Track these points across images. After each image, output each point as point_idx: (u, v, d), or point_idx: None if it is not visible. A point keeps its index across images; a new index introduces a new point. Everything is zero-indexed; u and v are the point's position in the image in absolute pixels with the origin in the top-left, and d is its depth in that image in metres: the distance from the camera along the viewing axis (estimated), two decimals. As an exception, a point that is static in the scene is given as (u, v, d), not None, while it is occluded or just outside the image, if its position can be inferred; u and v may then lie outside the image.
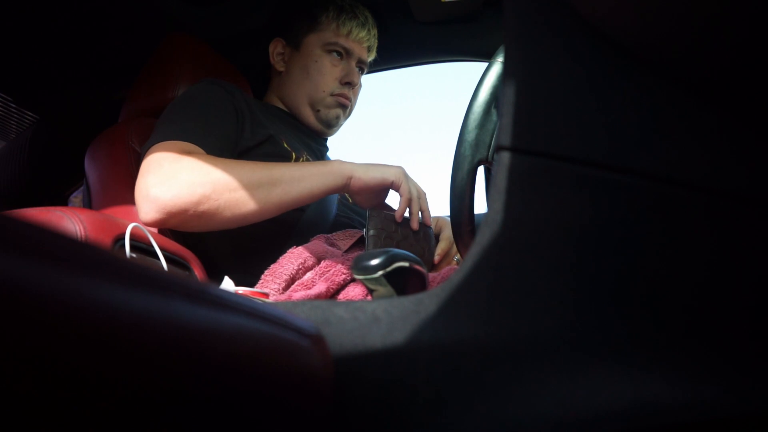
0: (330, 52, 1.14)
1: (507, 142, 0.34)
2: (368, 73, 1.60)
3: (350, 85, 1.14)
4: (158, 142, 0.88)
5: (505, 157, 0.34)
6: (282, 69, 1.18)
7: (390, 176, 0.90)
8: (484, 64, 0.73)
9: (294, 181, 0.86)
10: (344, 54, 1.15)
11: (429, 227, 0.95)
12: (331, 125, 1.17)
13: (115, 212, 1.00)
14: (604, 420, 0.31)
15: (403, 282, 0.48)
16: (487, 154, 0.69)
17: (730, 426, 0.31)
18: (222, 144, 0.94)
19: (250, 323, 0.23)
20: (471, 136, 0.69)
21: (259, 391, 0.23)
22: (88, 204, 1.11)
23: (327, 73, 1.13)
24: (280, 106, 1.18)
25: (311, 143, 1.15)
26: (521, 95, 0.33)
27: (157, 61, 1.21)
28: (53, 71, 1.30)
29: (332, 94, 1.13)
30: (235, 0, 1.27)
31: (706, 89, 0.31)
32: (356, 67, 1.17)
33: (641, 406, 0.31)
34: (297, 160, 1.03)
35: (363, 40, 1.16)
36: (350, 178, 0.88)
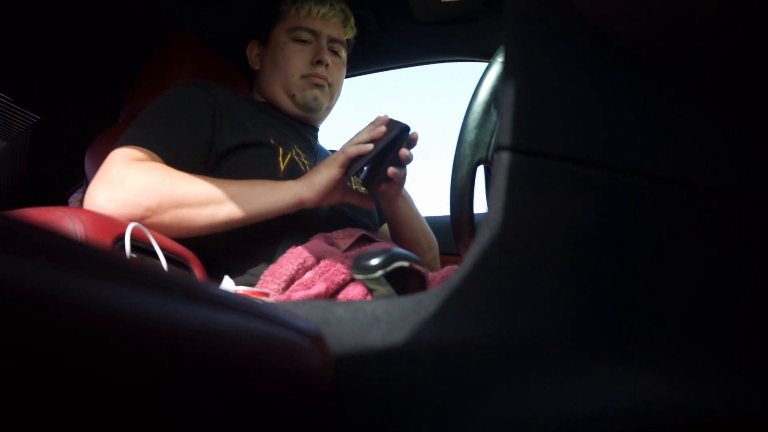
0: (296, 39, 1.13)
1: (507, 142, 0.34)
2: (369, 73, 1.60)
3: (321, 63, 1.11)
4: (121, 145, 0.88)
5: (505, 157, 0.34)
6: (258, 67, 1.18)
7: (335, 171, 0.89)
8: (484, 64, 0.73)
9: (243, 201, 0.87)
10: (311, 36, 1.13)
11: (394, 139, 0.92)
12: (312, 108, 1.14)
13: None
14: (604, 420, 0.31)
15: (403, 282, 0.48)
16: (487, 154, 0.69)
17: (730, 426, 0.31)
18: (187, 152, 0.94)
19: (249, 323, 0.23)
20: (471, 136, 0.69)
21: (258, 391, 0.23)
22: (89, 204, 1.11)
23: (295, 57, 1.12)
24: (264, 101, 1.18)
25: (301, 134, 1.14)
26: (521, 95, 0.33)
27: (157, 61, 1.21)
28: (53, 71, 1.30)
29: (303, 76, 1.11)
30: (235, 0, 1.27)
31: (706, 89, 0.31)
32: (329, 47, 1.14)
33: (641, 406, 0.31)
34: (285, 155, 1.02)
35: (327, 16, 1.14)
36: (300, 201, 0.89)
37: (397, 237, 1.21)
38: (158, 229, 0.82)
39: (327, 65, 1.12)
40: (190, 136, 0.95)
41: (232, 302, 0.22)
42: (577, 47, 0.33)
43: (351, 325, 0.34)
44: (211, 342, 0.20)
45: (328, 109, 1.19)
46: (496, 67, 0.69)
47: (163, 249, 0.79)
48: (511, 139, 0.34)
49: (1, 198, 1.43)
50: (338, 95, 1.21)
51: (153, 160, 0.89)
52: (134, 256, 0.74)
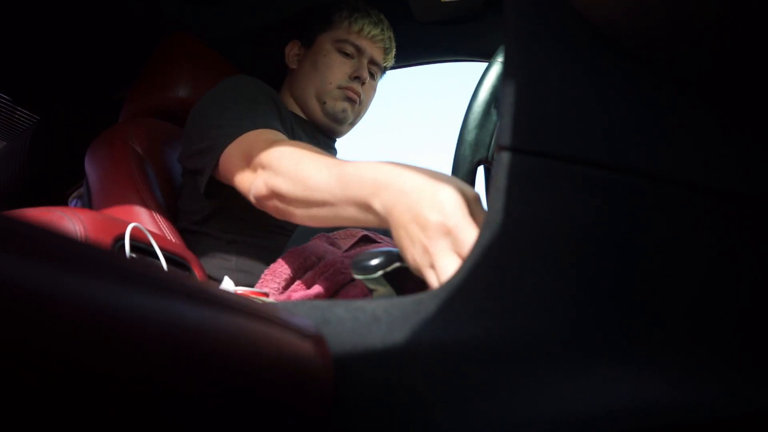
0: (341, 50, 1.15)
1: (507, 142, 0.34)
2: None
3: (359, 80, 1.14)
4: (244, 132, 0.86)
5: (505, 157, 0.34)
6: (294, 66, 1.19)
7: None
8: (484, 64, 0.73)
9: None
10: (355, 52, 1.15)
11: None
12: (338, 119, 1.15)
13: (116, 212, 1.00)
14: (604, 420, 0.31)
15: (403, 282, 0.48)
16: (487, 154, 0.69)
17: (730, 426, 0.31)
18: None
19: (249, 323, 0.23)
20: (471, 136, 0.69)
21: (258, 391, 0.23)
22: (88, 204, 1.11)
23: (336, 66, 1.13)
24: (291, 105, 1.18)
25: (323, 147, 1.15)
26: (521, 95, 0.33)
27: (157, 61, 1.21)
28: (53, 71, 1.30)
29: (339, 87, 1.13)
30: (235, 0, 1.27)
31: (706, 89, 0.31)
32: (368, 68, 1.17)
33: (641, 406, 0.31)
34: None
35: (376, 38, 1.17)
36: None
37: None
38: (285, 213, 0.77)
39: (364, 83, 1.16)
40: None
41: (231, 302, 0.22)
42: (577, 47, 0.33)
43: (351, 325, 0.34)
44: (210, 342, 0.20)
45: (352, 125, 1.22)
46: (496, 67, 0.69)
47: (162, 249, 0.79)
48: (511, 139, 0.34)
49: (1, 198, 1.43)
50: (363, 115, 1.23)
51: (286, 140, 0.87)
52: (134, 256, 0.74)
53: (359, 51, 1.15)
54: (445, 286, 0.35)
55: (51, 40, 1.21)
